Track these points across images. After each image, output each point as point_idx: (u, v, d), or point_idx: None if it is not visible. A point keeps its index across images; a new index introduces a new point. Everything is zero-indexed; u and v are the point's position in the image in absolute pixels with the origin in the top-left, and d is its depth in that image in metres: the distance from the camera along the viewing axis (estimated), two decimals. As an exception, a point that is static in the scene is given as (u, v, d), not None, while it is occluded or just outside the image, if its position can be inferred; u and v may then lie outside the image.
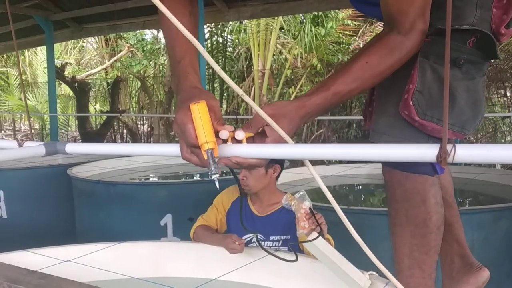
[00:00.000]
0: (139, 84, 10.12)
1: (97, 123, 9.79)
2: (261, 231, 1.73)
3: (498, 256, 2.39)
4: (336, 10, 7.90)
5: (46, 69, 8.05)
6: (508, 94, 7.27)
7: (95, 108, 11.44)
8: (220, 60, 9.64)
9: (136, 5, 5.51)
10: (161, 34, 11.32)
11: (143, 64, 10.60)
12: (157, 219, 2.89)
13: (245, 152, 0.95)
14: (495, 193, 3.18)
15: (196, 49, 1.09)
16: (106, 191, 3.17)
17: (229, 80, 0.81)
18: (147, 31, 11.02)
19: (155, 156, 4.01)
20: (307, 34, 8.17)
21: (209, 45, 9.53)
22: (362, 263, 1.15)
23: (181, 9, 1.14)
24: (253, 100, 6.64)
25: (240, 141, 0.96)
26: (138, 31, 9.86)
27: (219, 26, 9.64)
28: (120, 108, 8.58)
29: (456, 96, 1.15)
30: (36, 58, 12.49)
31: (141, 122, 10.09)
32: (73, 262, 1.48)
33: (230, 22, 8.96)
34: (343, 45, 8.73)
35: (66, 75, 8.37)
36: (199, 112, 0.92)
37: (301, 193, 1.27)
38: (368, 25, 8.75)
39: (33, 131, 11.44)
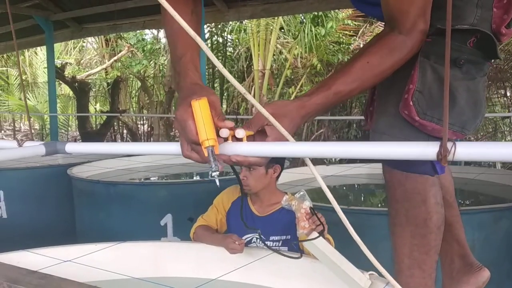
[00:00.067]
0: (139, 84, 10.12)
1: (97, 123, 9.79)
2: (261, 231, 1.73)
3: (498, 256, 2.39)
4: (336, 10, 7.90)
5: (46, 69, 8.05)
6: (508, 94, 7.27)
7: (95, 108, 11.44)
8: (220, 60, 9.62)
9: (136, 5, 5.51)
10: (161, 34, 11.35)
11: (143, 64, 10.61)
12: (157, 219, 2.89)
13: (246, 150, 0.95)
14: (495, 193, 3.18)
15: (197, 46, 1.10)
16: (106, 191, 3.16)
17: (231, 78, 0.81)
18: (147, 31, 11.04)
19: (156, 155, 4.01)
20: (307, 34, 8.16)
21: (209, 45, 9.54)
22: (362, 263, 1.15)
23: (183, 7, 1.14)
24: (253, 100, 6.63)
25: (240, 139, 0.96)
26: (138, 31, 9.87)
27: (219, 26, 9.65)
28: (120, 108, 8.58)
29: (456, 96, 1.15)
30: (36, 58, 12.50)
31: (141, 122, 10.09)
32: (73, 262, 1.48)
33: (230, 22, 8.96)
34: (343, 45, 8.73)
35: (66, 75, 8.37)
36: (200, 108, 0.91)
37: (302, 193, 1.28)
38: (368, 25, 8.75)
39: (33, 131, 11.44)
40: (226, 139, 0.95)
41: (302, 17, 8.73)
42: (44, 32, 6.42)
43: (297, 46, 8.68)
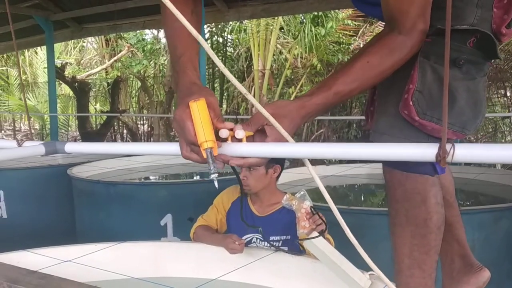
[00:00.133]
0: (139, 84, 10.12)
1: (97, 123, 9.79)
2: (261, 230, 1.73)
3: (498, 256, 2.39)
4: (336, 10, 7.90)
5: (46, 69, 8.05)
6: (508, 94, 7.27)
7: (95, 108, 11.44)
8: (220, 60, 9.59)
9: (136, 5, 5.51)
10: (161, 34, 11.35)
11: (143, 64, 10.61)
12: (157, 219, 2.89)
13: (245, 151, 0.94)
14: (495, 193, 3.18)
15: (196, 46, 1.10)
16: (106, 191, 3.16)
17: (232, 78, 0.81)
18: (147, 31, 11.04)
19: (155, 155, 4.02)
20: (307, 34, 8.16)
21: (209, 45, 9.50)
22: (362, 263, 1.15)
23: (183, 7, 1.14)
24: (253, 100, 6.63)
25: (240, 140, 0.96)
26: (138, 31, 9.87)
27: (219, 26, 9.65)
28: (120, 108, 8.58)
29: (456, 96, 1.15)
30: (36, 58, 12.50)
31: (141, 122, 10.09)
32: (73, 262, 1.48)
33: (230, 22, 8.96)
34: (343, 45, 8.73)
35: (66, 75, 8.37)
36: (198, 110, 0.91)
37: (302, 192, 1.28)
38: (368, 25, 8.75)
39: (33, 131, 11.45)
40: (225, 140, 0.95)
41: (302, 17, 8.73)
42: (44, 32, 6.42)
43: (297, 46, 8.68)
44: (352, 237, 0.90)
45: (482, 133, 7.08)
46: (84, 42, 13.34)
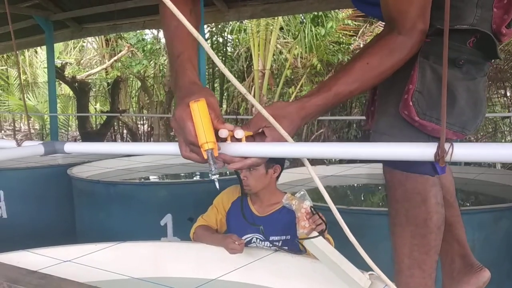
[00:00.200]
0: (139, 84, 10.12)
1: (97, 123, 9.79)
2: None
3: (498, 256, 2.39)
4: (336, 10, 7.90)
5: (46, 69, 8.05)
6: (508, 94, 7.27)
7: (95, 108, 11.44)
8: (220, 60, 9.61)
9: (136, 5, 5.51)
10: (161, 34, 11.33)
11: (143, 64, 10.60)
12: (157, 219, 2.89)
13: (245, 150, 0.94)
14: (495, 193, 3.18)
15: (195, 45, 1.10)
16: (106, 191, 3.16)
17: (232, 78, 0.81)
18: (147, 31, 11.03)
19: (155, 155, 4.02)
20: (307, 34, 8.16)
21: (209, 45, 9.51)
22: (362, 263, 1.15)
23: (182, 7, 1.14)
24: (253, 100, 6.64)
25: (239, 140, 0.96)
26: (138, 31, 9.86)
27: (219, 26, 9.65)
28: (120, 108, 8.58)
29: (456, 96, 1.15)
30: (36, 58, 12.50)
31: (141, 122, 10.09)
32: (73, 262, 1.48)
33: (230, 22, 8.96)
34: (343, 45, 8.73)
35: (66, 75, 8.37)
36: (199, 110, 0.91)
37: (302, 192, 1.28)
38: (368, 25, 8.75)
39: (33, 131, 11.45)
40: (225, 140, 0.95)
41: (302, 17, 8.73)
42: (44, 32, 6.42)
43: (297, 46, 8.68)
44: (352, 237, 0.90)
45: (482, 133, 7.08)
46: (84, 42, 13.33)
